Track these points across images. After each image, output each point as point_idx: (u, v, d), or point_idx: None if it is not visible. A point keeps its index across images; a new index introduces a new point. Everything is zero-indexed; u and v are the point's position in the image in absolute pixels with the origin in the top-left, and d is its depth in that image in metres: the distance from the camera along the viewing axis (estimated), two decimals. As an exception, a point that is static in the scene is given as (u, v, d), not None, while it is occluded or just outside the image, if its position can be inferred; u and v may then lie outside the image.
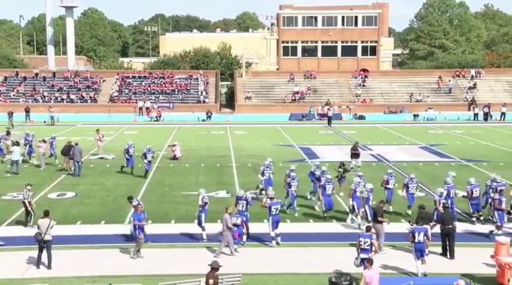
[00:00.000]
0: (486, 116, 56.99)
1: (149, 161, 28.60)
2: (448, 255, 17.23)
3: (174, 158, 33.87)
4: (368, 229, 15.89)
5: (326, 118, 54.29)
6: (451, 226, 17.35)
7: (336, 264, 16.38)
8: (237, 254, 17.39)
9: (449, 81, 64.52)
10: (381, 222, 17.72)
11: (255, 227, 19.06)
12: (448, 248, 17.32)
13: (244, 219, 18.46)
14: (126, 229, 18.89)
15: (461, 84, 65.36)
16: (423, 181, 27.06)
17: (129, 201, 18.83)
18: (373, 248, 15.17)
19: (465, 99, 61.79)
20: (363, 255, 14.98)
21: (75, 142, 30.49)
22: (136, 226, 17.09)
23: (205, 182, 27.39)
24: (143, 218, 17.40)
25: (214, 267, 13.33)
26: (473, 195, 20.50)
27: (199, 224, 18.59)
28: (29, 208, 20.08)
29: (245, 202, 18.98)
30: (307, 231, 19.83)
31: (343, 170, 24.72)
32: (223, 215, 17.45)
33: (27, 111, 56.37)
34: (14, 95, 62.91)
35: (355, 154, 31.28)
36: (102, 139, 36.05)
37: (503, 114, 56.94)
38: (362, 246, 15.13)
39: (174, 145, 34.68)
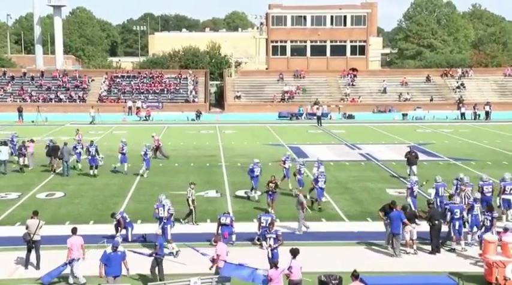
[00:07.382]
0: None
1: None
2: (432, 249, 17.55)
3: (157, 148, 33.88)
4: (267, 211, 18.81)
5: (315, 118, 54.36)
6: (437, 222, 17.56)
7: (325, 264, 16.44)
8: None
9: (384, 81, 65.43)
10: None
11: (243, 227, 19.09)
12: (432, 243, 17.64)
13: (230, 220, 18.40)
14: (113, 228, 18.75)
15: (450, 84, 65.76)
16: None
17: (112, 217, 18.71)
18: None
19: (457, 101, 62.09)
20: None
21: (64, 141, 30.41)
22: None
23: (194, 181, 27.28)
24: None
25: None
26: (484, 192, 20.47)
27: (166, 236, 17.64)
28: (191, 206, 20.32)
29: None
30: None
31: (274, 185, 22.29)
32: None
33: (20, 110, 56.09)
34: (1, 95, 62.51)
35: (410, 159, 27.44)
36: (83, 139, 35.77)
37: (487, 112, 57.45)
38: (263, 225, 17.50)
39: (154, 136, 35.12)
